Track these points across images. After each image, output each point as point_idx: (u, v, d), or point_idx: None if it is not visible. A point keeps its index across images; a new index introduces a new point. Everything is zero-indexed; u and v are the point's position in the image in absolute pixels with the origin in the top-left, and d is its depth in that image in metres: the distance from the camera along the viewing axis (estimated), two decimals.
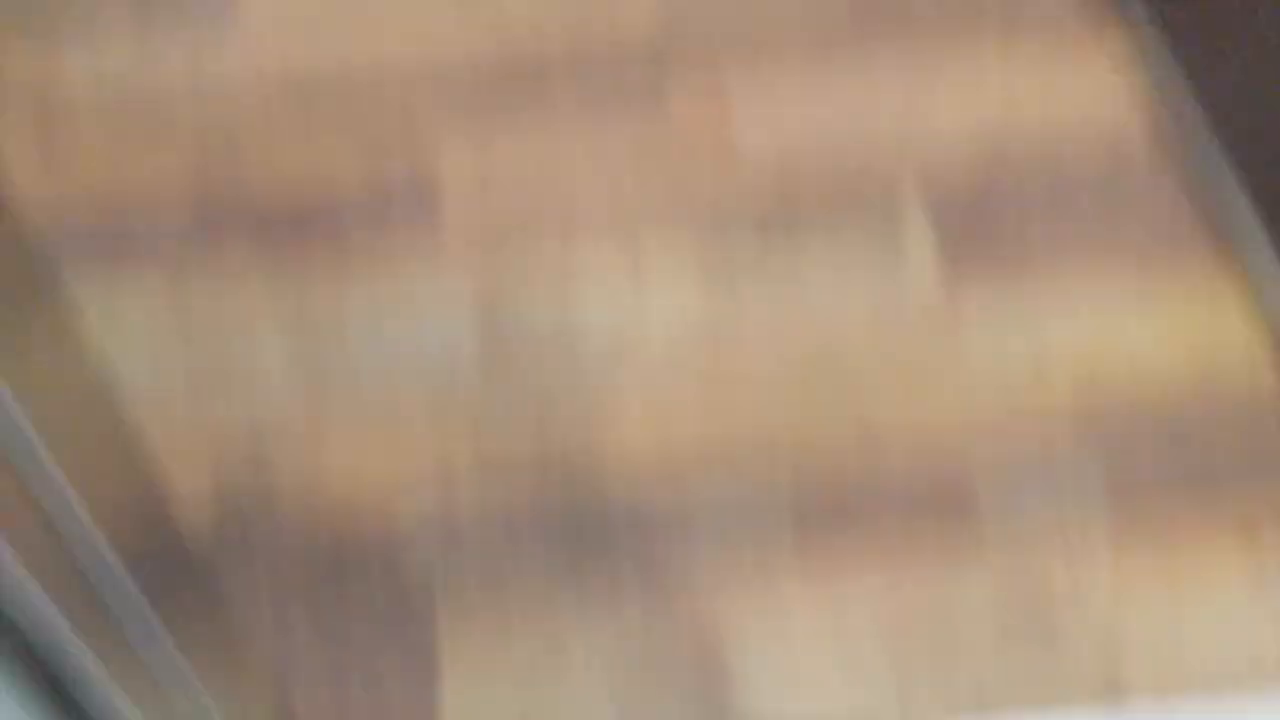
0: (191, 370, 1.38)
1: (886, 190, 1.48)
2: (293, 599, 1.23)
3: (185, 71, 1.54)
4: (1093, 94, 1.53)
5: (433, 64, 1.55)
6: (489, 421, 1.36)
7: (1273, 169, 1.40)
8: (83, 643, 0.59)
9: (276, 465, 1.33)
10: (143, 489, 0.68)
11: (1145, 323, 1.41)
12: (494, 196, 1.49)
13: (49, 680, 0.60)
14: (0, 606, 0.55)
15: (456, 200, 1.49)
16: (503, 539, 1.27)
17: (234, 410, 1.37)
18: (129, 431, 0.66)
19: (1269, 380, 1.35)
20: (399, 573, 1.25)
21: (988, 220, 1.49)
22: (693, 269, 1.48)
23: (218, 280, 1.42)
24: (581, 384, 1.39)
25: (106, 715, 0.65)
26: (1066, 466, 1.30)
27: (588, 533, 1.27)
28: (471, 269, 1.48)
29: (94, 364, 0.61)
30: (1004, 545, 1.23)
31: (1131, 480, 1.28)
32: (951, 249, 1.49)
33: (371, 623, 1.21)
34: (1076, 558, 1.22)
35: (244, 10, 1.57)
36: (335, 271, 1.48)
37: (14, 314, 0.52)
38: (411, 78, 1.54)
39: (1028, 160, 1.50)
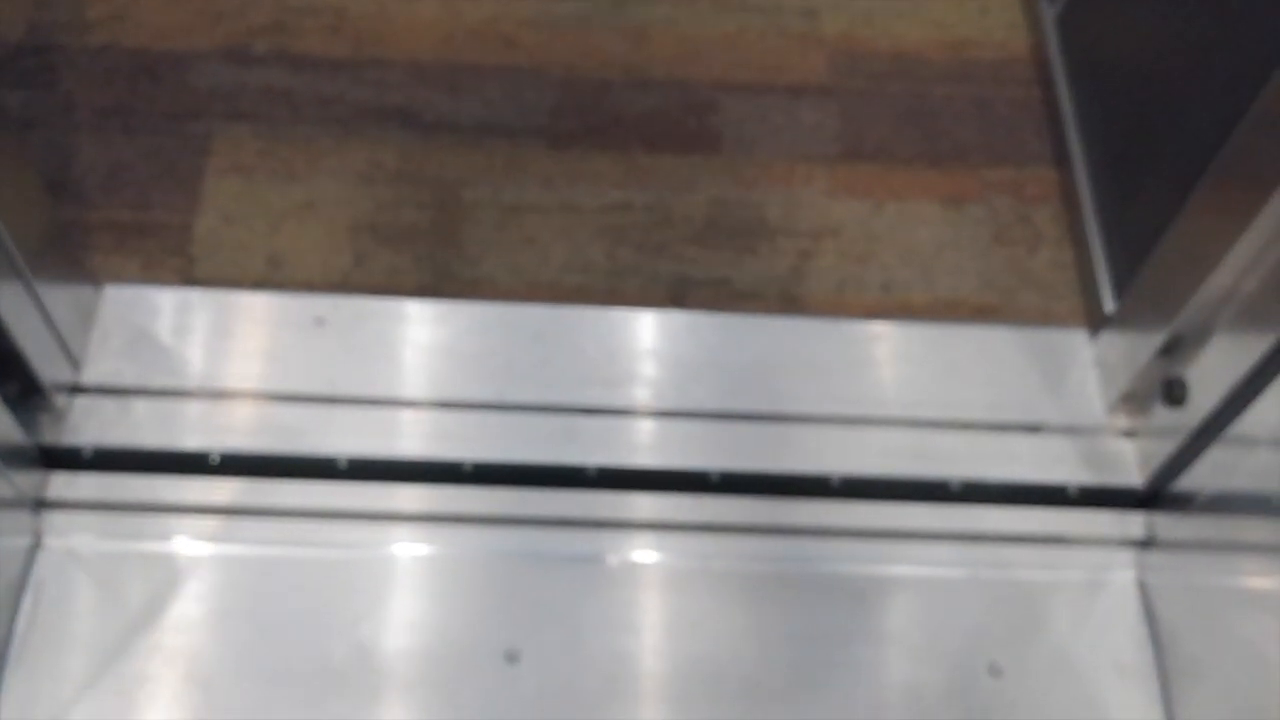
0: None
1: None
2: (84, 123, 1.34)
3: None
4: None
5: None
6: (289, 7, 1.45)
7: None
8: None
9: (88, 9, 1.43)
10: None
11: (916, 14, 1.52)
12: None
13: None
14: None
15: None
16: (284, 106, 1.38)
17: None
18: None
19: (1012, 86, 1.47)
20: (183, 117, 1.36)
21: None
22: None
23: None
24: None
25: None
26: (808, 117, 1.42)
27: (361, 113, 1.38)
28: None
29: None
30: (733, 171, 1.36)
31: (862, 137, 1.41)
32: None
33: (150, 156, 1.33)
34: (795, 192, 1.36)
35: None
36: None
37: None
38: None
39: None
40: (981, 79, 1.47)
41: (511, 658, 1.08)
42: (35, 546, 1.11)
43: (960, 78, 1.47)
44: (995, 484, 1.19)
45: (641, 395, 1.22)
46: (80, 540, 1.12)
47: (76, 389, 1.19)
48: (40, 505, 1.12)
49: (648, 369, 1.23)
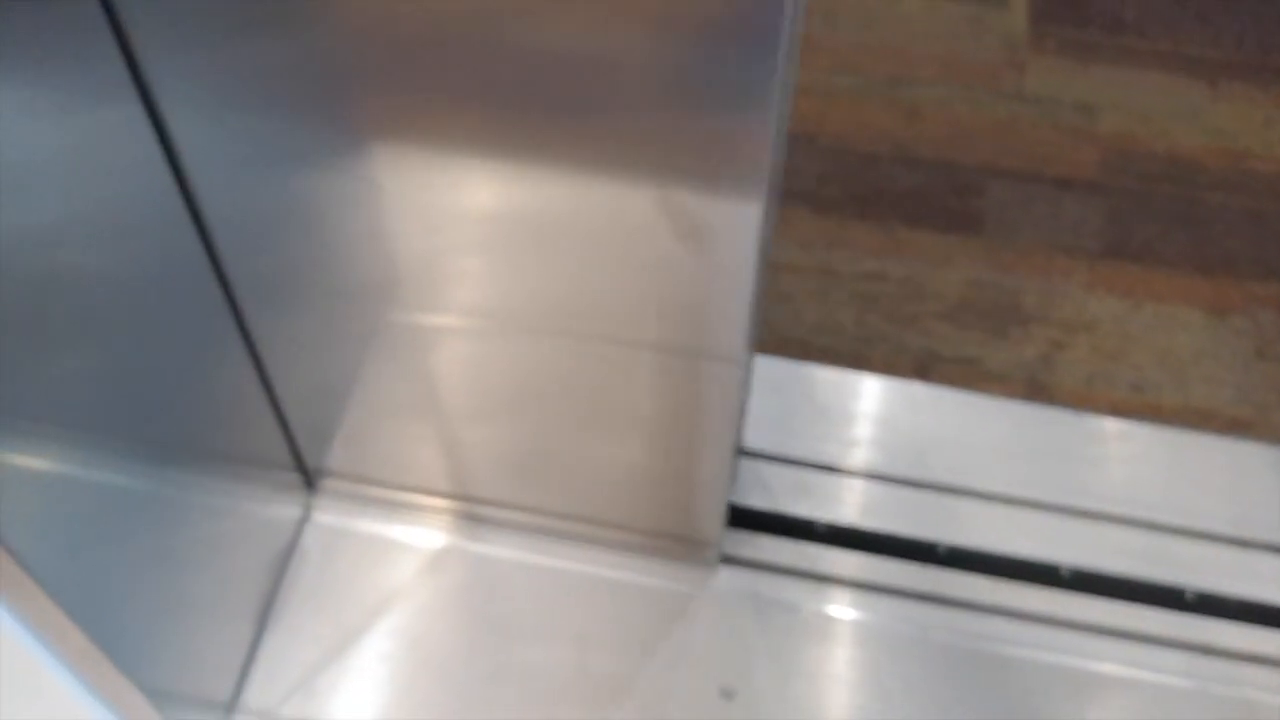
0: None
1: None
2: None
3: None
4: None
5: None
6: None
7: None
8: None
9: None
10: None
11: (1195, 119, 1.50)
12: None
13: None
14: None
15: None
16: None
17: None
18: None
19: None
20: None
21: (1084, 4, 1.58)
22: None
23: None
24: None
25: None
26: (1073, 210, 1.42)
27: None
28: None
29: None
30: (992, 255, 1.38)
31: (1128, 235, 1.40)
32: (1042, 18, 1.59)
33: None
34: (1052, 282, 1.36)
35: None
36: None
37: None
38: None
39: None
40: (1258, 191, 1.44)
41: (727, 694, 1.11)
42: (304, 519, 1.21)
43: (1236, 187, 1.44)
44: (1234, 599, 1.16)
45: (879, 459, 1.24)
46: (343, 518, 1.21)
47: None
48: None
49: (887, 435, 1.25)
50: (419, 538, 1.20)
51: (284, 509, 1.20)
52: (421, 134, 0.83)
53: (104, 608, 0.89)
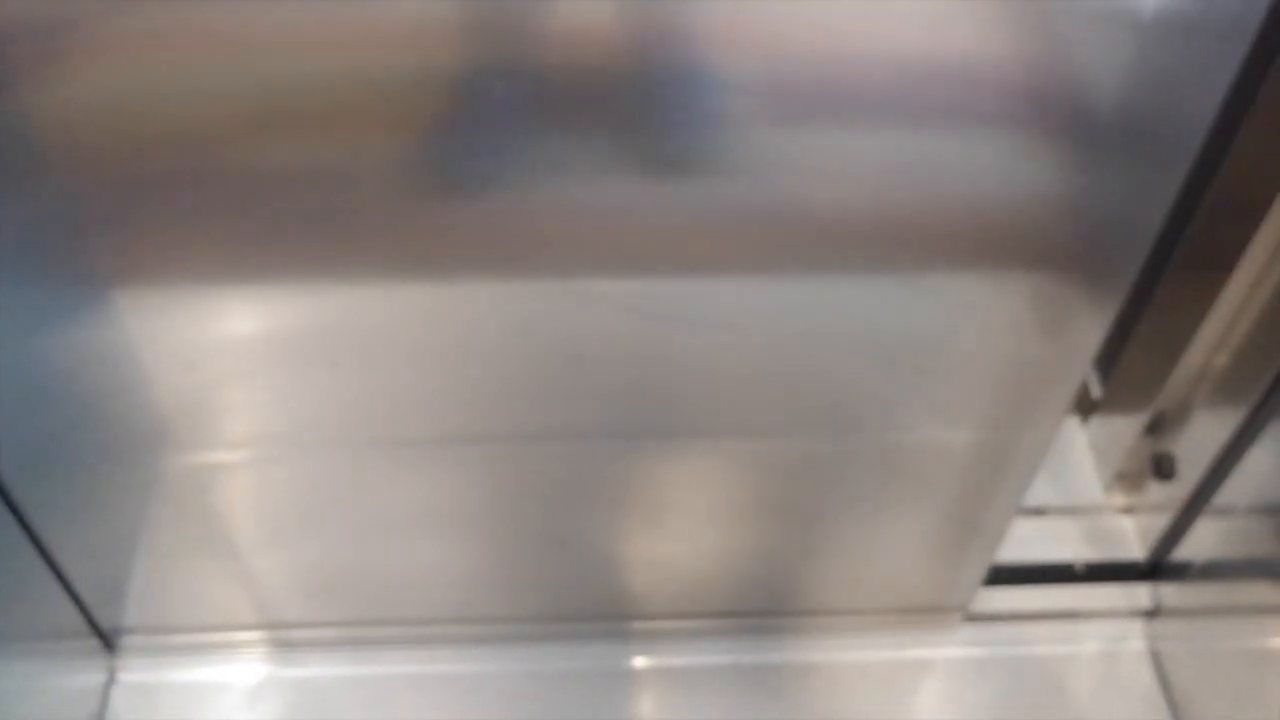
0: None
1: None
2: None
3: None
4: None
5: None
6: None
7: None
8: None
9: None
10: None
11: None
12: None
13: None
14: None
15: None
16: None
17: None
18: None
19: None
20: None
21: None
22: None
23: None
24: None
25: None
26: None
27: None
28: None
29: None
30: None
31: None
32: None
33: None
34: None
35: None
36: None
37: None
38: None
39: None
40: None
41: None
42: (109, 683, 1.18)
43: None
44: (1006, 566, 1.26)
45: None
46: (151, 673, 1.18)
47: None
48: None
49: None
50: (234, 675, 1.19)
51: (85, 677, 1.16)
52: (165, 269, 0.83)
53: None
